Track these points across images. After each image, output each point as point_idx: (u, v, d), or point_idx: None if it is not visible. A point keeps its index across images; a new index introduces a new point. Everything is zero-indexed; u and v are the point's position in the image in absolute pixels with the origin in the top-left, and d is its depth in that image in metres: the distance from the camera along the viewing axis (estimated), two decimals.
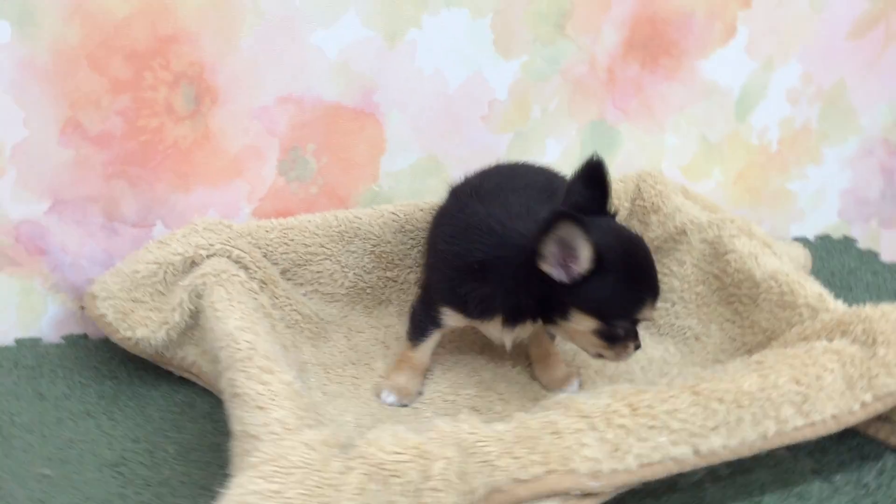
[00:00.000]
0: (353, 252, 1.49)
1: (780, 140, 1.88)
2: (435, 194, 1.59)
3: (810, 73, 1.83)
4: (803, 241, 2.00)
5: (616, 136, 1.73)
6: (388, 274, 1.53)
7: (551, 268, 1.10)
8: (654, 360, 1.44)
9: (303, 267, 1.45)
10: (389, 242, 1.51)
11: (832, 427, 1.11)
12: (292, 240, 1.43)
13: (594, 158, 1.16)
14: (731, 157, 1.86)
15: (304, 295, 1.46)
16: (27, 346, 1.44)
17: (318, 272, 1.46)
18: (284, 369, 1.06)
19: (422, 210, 1.53)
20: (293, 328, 1.38)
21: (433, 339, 1.30)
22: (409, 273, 1.54)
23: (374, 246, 1.50)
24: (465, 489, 0.92)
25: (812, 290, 1.33)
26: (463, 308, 1.22)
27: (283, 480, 0.87)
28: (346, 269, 1.48)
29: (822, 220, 2.03)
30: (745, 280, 1.42)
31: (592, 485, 0.96)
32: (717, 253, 1.49)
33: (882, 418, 1.29)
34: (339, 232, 1.47)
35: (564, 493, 0.94)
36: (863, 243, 2.07)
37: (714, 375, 1.11)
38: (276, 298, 1.37)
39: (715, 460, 1.06)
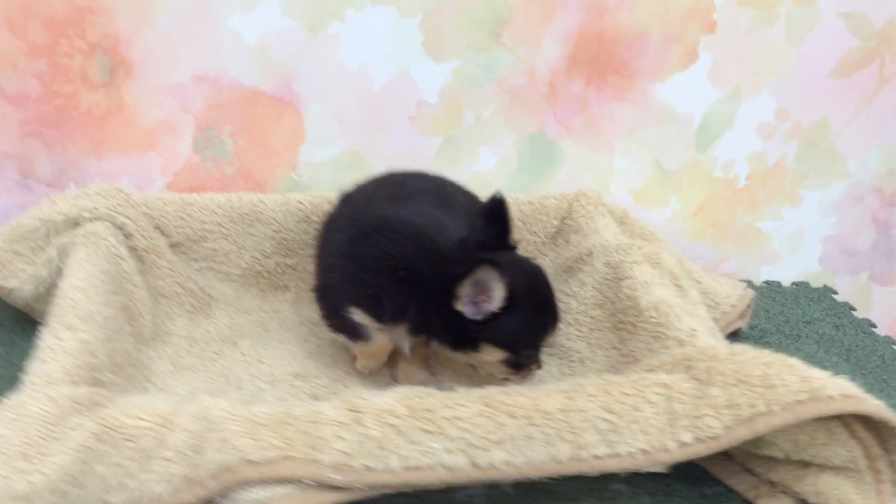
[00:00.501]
0: (254, 235, 1.52)
1: (749, 176, 1.79)
2: None
3: (786, 109, 1.73)
4: (775, 285, 1.90)
5: (557, 152, 1.69)
6: (288, 261, 1.55)
7: (464, 307, 1.16)
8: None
9: (197, 243, 1.49)
10: (291, 230, 1.53)
11: (641, 462, 1.05)
12: (189, 215, 1.47)
13: (497, 196, 1.24)
14: (691, 187, 1.78)
15: (198, 270, 1.50)
16: None
17: (213, 249, 1.50)
18: (93, 329, 1.10)
19: (330, 203, 1.54)
20: (171, 299, 1.42)
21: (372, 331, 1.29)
22: (309, 262, 1.55)
23: (276, 232, 1.52)
24: (196, 463, 0.92)
25: (686, 324, 1.27)
26: (374, 311, 1.23)
27: (11, 427, 0.90)
28: (242, 251, 1.51)
29: (801, 266, 1.92)
30: (631, 307, 1.37)
31: (336, 478, 0.95)
32: (616, 278, 1.44)
33: (746, 469, 1.22)
34: (240, 214, 1.50)
35: (298, 481, 0.94)
36: (850, 297, 1.95)
37: (516, 390, 1.07)
38: (158, 269, 1.41)
39: (497, 475, 1.01)
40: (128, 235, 1.39)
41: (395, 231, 1.22)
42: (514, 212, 1.57)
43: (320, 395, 1.29)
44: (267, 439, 0.95)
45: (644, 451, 1.06)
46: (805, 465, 1.17)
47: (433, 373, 1.40)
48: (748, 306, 1.69)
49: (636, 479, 1.21)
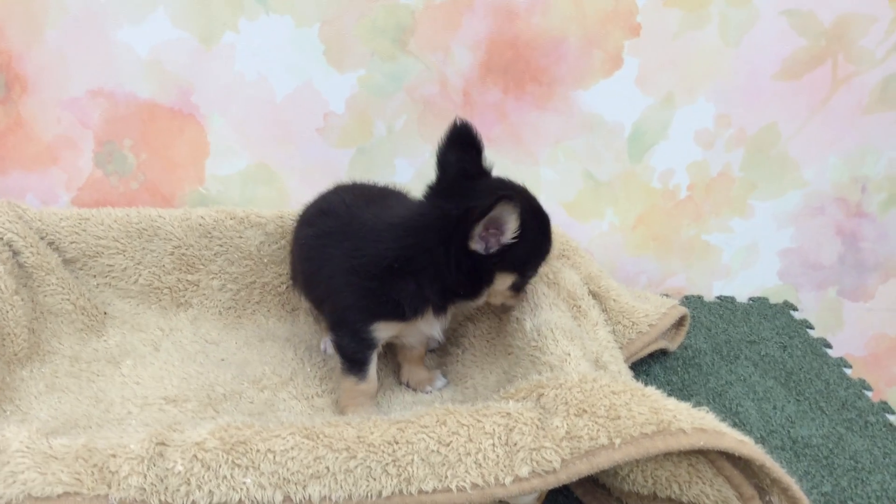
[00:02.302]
0: (153, 251, 1.53)
1: (691, 186, 1.72)
2: (268, 203, 1.61)
3: (727, 115, 1.66)
4: (729, 301, 1.82)
5: None
6: (189, 277, 1.55)
7: (478, 245, 1.19)
8: (422, 401, 1.38)
9: (93, 258, 1.51)
10: (192, 246, 1.54)
11: (475, 498, 1.01)
12: (85, 230, 1.49)
13: (458, 122, 1.25)
14: (627, 198, 1.72)
15: (97, 287, 1.52)
16: None
17: (109, 266, 1.52)
18: None
19: (233, 219, 1.54)
20: (60, 317, 1.44)
21: (373, 362, 1.32)
22: (212, 279, 1.55)
23: (176, 247, 1.53)
24: None
25: (561, 348, 1.22)
26: (396, 313, 1.25)
27: None
28: (140, 267, 1.53)
29: (758, 281, 1.84)
30: (518, 330, 1.34)
31: None
32: (504, 307, 1.40)
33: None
34: (138, 229, 1.52)
35: None
36: (817, 314, 1.86)
37: (345, 422, 1.04)
38: (48, 286, 1.44)
39: None
40: (16, 252, 1.42)
41: (384, 230, 1.24)
42: None
43: (185, 420, 1.27)
44: (55, 474, 0.94)
45: (476, 486, 1.02)
46: (678, 503, 1.12)
47: (430, 369, 1.45)
48: (680, 325, 1.63)
49: None
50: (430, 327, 1.30)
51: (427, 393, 1.42)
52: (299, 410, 1.35)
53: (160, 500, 0.97)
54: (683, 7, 1.55)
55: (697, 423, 1.05)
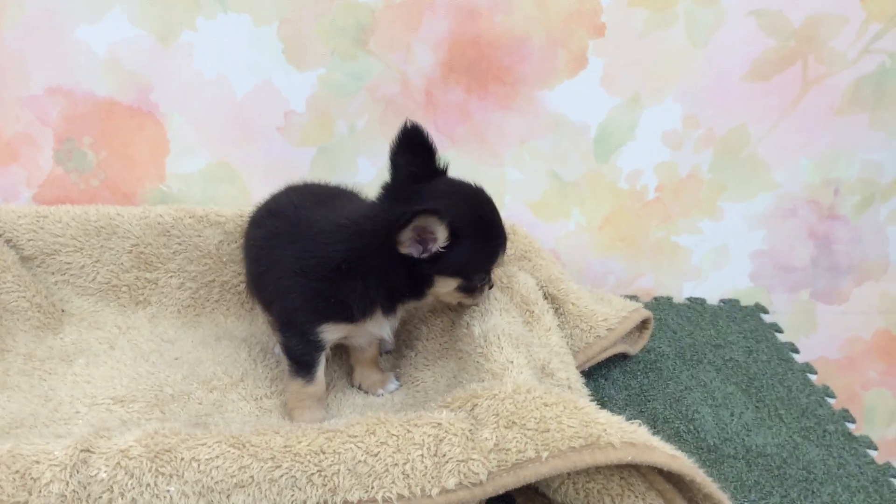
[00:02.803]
0: (111, 249, 1.53)
1: (659, 187, 1.70)
2: (230, 202, 1.61)
3: (695, 116, 1.64)
4: (699, 302, 1.81)
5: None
6: (148, 275, 1.56)
7: (409, 249, 1.19)
8: (373, 404, 1.38)
9: (51, 256, 1.51)
10: (150, 244, 1.54)
11: None
12: (43, 227, 1.50)
13: (409, 124, 1.24)
14: (593, 199, 1.70)
15: (55, 284, 1.52)
16: None
17: (67, 263, 1.52)
18: None
19: (192, 217, 1.54)
20: (16, 314, 1.45)
21: (321, 364, 1.32)
22: (170, 277, 1.56)
23: (134, 245, 1.54)
24: None
25: (505, 356, 1.22)
26: (344, 315, 1.24)
27: None
28: (98, 264, 1.53)
29: (729, 283, 1.82)
30: (467, 335, 1.34)
31: None
32: (462, 305, 1.39)
33: None
34: (96, 227, 1.52)
35: None
36: (790, 317, 1.84)
37: (273, 430, 1.04)
38: (3, 283, 1.44)
39: None
40: None
41: (332, 231, 1.24)
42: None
43: (131, 421, 1.29)
44: None
45: (402, 497, 1.02)
46: None
47: (383, 370, 1.45)
48: (643, 328, 1.62)
49: None
50: (380, 328, 1.30)
51: (379, 395, 1.42)
52: (248, 412, 1.35)
53: None
54: (649, 7, 1.53)
55: (627, 437, 1.04)
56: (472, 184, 1.28)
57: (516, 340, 1.27)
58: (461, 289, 1.28)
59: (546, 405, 1.08)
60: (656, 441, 1.06)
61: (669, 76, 1.60)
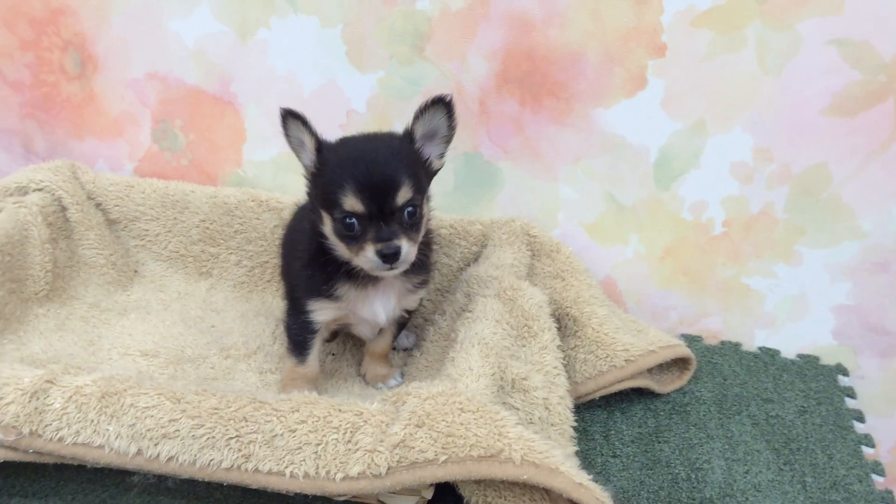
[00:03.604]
0: (183, 221, 1.70)
1: (727, 222, 1.58)
2: (296, 191, 1.71)
3: (767, 149, 1.51)
4: (771, 354, 1.66)
5: (496, 174, 1.64)
6: (212, 249, 1.70)
7: (302, 158, 1.25)
8: (368, 395, 1.40)
9: (132, 222, 1.70)
10: (216, 222, 1.69)
11: (306, 487, 1.06)
12: (128, 196, 1.69)
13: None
14: (653, 226, 1.62)
15: (135, 247, 1.70)
16: None
17: (145, 230, 1.70)
18: None
19: (254, 201, 1.67)
20: (93, 269, 1.65)
21: (315, 347, 1.41)
22: (230, 254, 1.69)
23: (202, 221, 1.69)
24: None
25: (465, 363, 1.21)
26: (320, 290, 1.32)
27: None
28: (170, 234, 1.70)
29: (809, 337, 1.65)
30: (454, 341, 1.34)
31: (0, 436, 1.08)
32: (462, 310, 1.42)
33: None
34: (172, 200, 1.69)
35: None
36: (883, 384, 1.63)
37: (212, 392, 1.12)
38: (87, 240, 1.65)
39: (162, 469, 1.08)
40: (64, 207, 1.64)
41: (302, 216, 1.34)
42: (436, 234, 1.58)
43: (146, 373, 1.42)
44: None
45: (308, 476, 1.07)
46: None
47: (392, 366, 1.51)
48: (683, 368, 1.52)
49: None
50: (367, 308, 1.32)
51: (378, 389, 1.45)
52: (251, 382, 1.44)
53: (31, 430, 1.11)
54: (715, 28, 1.44)
55: (531, 456, 1.01)
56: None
57: (489, 350, 1.25)
58: (337, 233, 1.21)
59: (462, 411, 1.07)
60: (567, 467, 1.02)
61: (738, 104, 1.49)
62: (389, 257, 1.18)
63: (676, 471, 1.36)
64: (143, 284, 1.70)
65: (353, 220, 1.18)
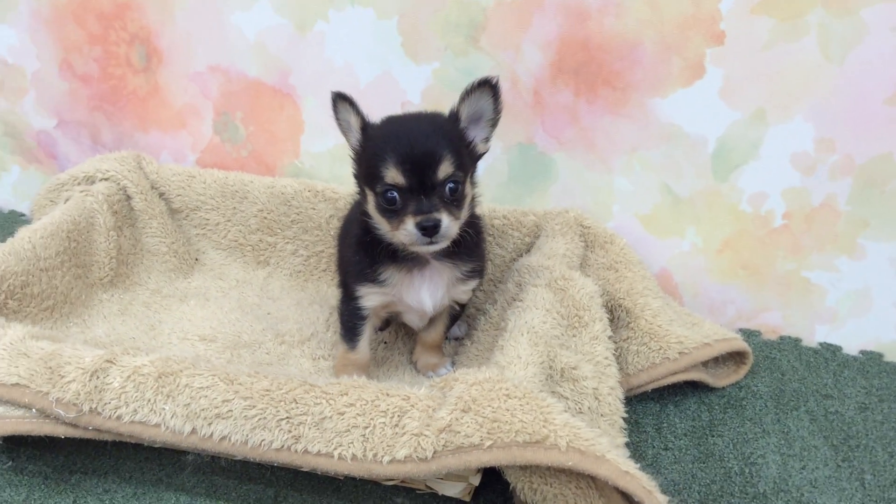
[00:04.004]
0: (242, 211, 1.73)
1: (787, 214, 1.54)
2: (351, 182, 1.72)
3: (830, 139, 1.47)
4: (832, 350, 1.61)
5: (550, 165, 1.63)
6: (269, 238, 1.73)
7: (348, 138, 1.27)
8: (418, 383, 1.41)
9: (194, 211, 1.74)
10: (273, 211, 1.71)
11: (353, 469, 1.07)
12: (190, 186, 1.73)
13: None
14: (710, 219, 1.59)
15: (196, 236, 1.74)
16: None
17: (206, 219, 1.74)
18: (12, 263, 1.40)
19: (310, 191, 1.69)
20: (156, 256, 1.70)
21: (366, 334, 1.43)
22: (287, 243, 1.72)
23: (260, 210, 1.72)
24: None
25: (513, 352, 1.21)
26: (368, 275, 1.34)
27: None
28: (230, 224, 1.74)
29: (872, 333, 1.60)
30: (504, 329, 1.34)
31: (61, 413, 1.12)
32: (513, 298, 1.42)
33: None
34: (231, 190, 1.73)
35: (27, 407, 1.12)
36: None
37: (263, 375, 1.14)
38: (150, 228, 1.70)
39: (216, 448, 1.11)
40: (129, 196, 1.69)
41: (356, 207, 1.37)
42: (489, 225, 1.58)
43: (205, 356, 1.44)
44: (17, 367, 1.16)
45: (356, 458, 1.08)
46: None
47: (444, 355, 1.52)
48: (739, 363, 1.49)
49: (431, 498, 1.20)
50: (413, 295, 1.32)
51: (428, 377, 1.46)
52: (304, 368, 1.46)
53: (91, 408, 1.14)
54: (775, 15, 1.41)
55: (577, 443, 1.01)
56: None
57: (538, 338, 1.25)
58: (379, 208, 1.22)
59: (508, 397, 1.07)
60: (614, 455, 1.01)
61: (799, 93, 1.46)
62: (429, 230, 1.16)
63: (730, 465, 1.33)
64: (203, 272, 1.74)
65: (395, 193, 1.19)
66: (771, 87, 1.48)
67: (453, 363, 1.49)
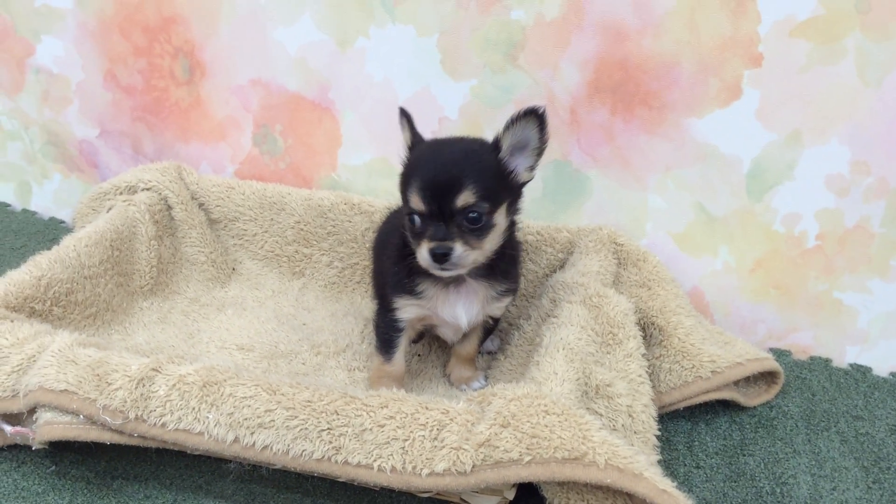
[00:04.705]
0: (279, 223, 1.76)
1: (820, 235, 1.54)
2: (387, 195, 1.76)
3: (865, 162, 1.47)
4: (862, 371, 1.61)
5: (584, 182, 1.64)
6: (305, 250, 1.75)
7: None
8: (452, 396, 1.42)
9: (232, 222, 1.77)
10: (310, 223, 1.74)
11: (393, 481, 1.09)
12: (229, 197, 1.76)
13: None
14: (744, 238, 1.59)
15: (233, 246, 1.77)
16: None
17: (244, 230, 1.77)
18: (58, 270, 1.44)
19: (347, 203, 1.72)
20: (195, 265, 1.73)
21: (401, 346, 1.45)
22: (322, 255, 1.74)
23: (297, 222, 1.74)
24: (21, 380, 1.20)
25: (550, 367, 1.23)
26: (407, 288, 1.37)
27: None
28: (267, 234, 1.77)
29: None
30: (539, 345, 1.36)
31: (108, 419, 1.14)
32: (548, 315, 1.44)
33: None
34: (269, 202, 1.75)
35: (75, 413, 1.15)
36: None
37: (304, 386, 1.15)
38: (189, 238, 1.73)
39: (258, 457, 1.13)
40: (170, 206, 1.72)
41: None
42: (523, 239, 1.60)
43: (242, 366, 1.46)
44: (66, 375, 1.18)
45: (395, 470, 1.10)
46: None
47: (477, 368, 1.53)
48: (770, 382, 1.50)
49: None
50: (449, 310, 1.34)
51: (462, 390, 1.47)
52: (340, 379, 1.48)
53: (136, 415, 1.17)
54: (813, 39, 1.42)
55: (615, 461, 1.02)
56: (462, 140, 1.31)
57: (574, 355, 1.26)
58: (408, 229, 1.25)
59: (547, 413, 1.09)
60: (651, 473, 1.02)
61: (835, 115, 1.46)
62: (440, 257, 1.19)
63: (761, 484, 1.34)
64: (239, 282, 1.77)
65: (416, 217, 1.22)
66: (807, 109, 1.49)
67: (486, 377, 1.50)
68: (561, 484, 1.09)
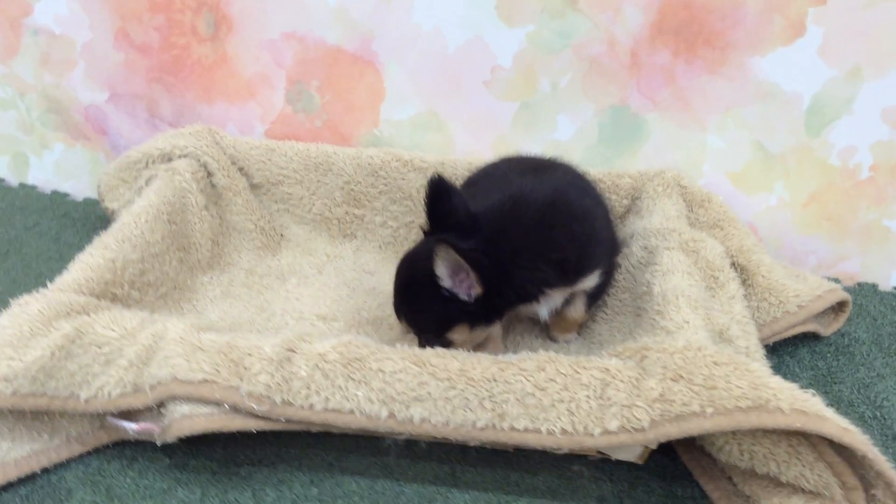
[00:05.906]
0: (326, 184, 1.67)
1: (874, 166, 1.60)
2: (434, 149, 1.70)
3: None
4: None
5: (642, 126, 1.64)
6: (356, 211, 1.69)
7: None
8: (549, 348, 1.42)
9: (275, 186, 1.68)
10: (360, 183, 1.67)
11: (563, 443, 1.07)
12: (270, 160, 1.67)
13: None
14: (799, 173, 1.63)
15: (277, 211, 1.68)
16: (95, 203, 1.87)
17: (288, 193, 1.68)
18: (127, 250, 1.33)
19: (398, 161, 1.65)
20: (243, 234, 1.64)
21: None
22: (375, 215, 1.68)
23: (346, 183, 1.67)
24: (143, 373, 1.10)
25: (682, 316, 1.23)
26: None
27: (11, 319, 1.13)
28: (314, 197, 1.68)
29: None
30: (646, 293, 1.36)
31: (253, 406, 1.07)
32: (647, 262, 1.43)
33: (727, 476, 1.17)
34: (315, 163, 1.67)
35: (216, 403, 1.07)
36: None
37: (451, 354, 1.12)
38: (234, 206, 1.63)
39: (414, 430, 1.09)
40: (210, 173, 1.61)
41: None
42: None
43: (331, 336, 1.41)
44: (199, 363, 1.10)
45: (566, 432, 1.08)
46: (778, 483, 1.11)
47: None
48: (840, 311, 1.55)
49: (604, 464, 1.22)
50: (524, 308, 1.33)
51: (555, 342, 1.47)
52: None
53: (282, 399, 1.10)
54: None
55: (798, 404, 1.03)
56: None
57: (695, 302, 1.27)
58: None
59: (716, 364, 1.09)
60: (829, 412, 1.04)
61: (895, 50, 1.51)
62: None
63: (861, 410, 1.39)
64: (290, 248, 1.68)
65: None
66: (869, 45, 1.52)
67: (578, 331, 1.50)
68: (733, 432, 1.10)
